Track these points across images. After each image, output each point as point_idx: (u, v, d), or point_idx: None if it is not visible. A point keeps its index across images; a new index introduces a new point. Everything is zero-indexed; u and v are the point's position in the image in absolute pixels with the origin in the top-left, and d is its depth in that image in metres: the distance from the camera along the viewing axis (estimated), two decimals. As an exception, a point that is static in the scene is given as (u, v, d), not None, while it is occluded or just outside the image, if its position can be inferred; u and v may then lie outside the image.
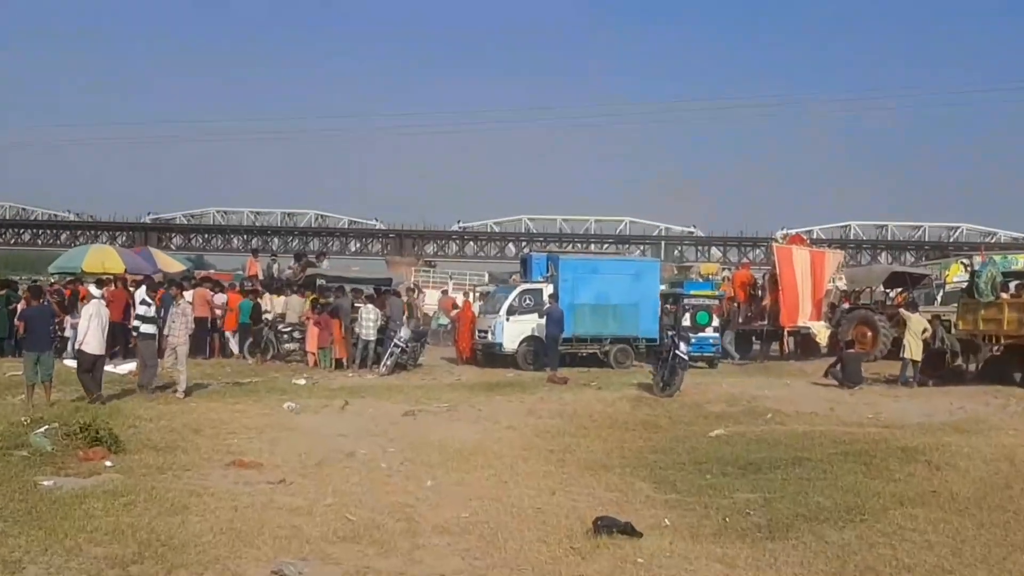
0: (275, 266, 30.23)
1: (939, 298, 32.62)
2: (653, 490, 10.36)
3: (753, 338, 29.19)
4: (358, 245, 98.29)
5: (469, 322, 25.36)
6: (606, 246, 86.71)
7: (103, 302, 16.58)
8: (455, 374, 22.33)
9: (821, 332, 26.75)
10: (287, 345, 23.43)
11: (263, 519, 8.50)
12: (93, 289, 19.10)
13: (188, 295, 21.03)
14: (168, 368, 16.83)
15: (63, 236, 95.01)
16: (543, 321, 23.75)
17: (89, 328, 15.09)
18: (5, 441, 11.13)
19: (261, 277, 28.54)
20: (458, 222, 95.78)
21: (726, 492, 10.20)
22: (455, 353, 25.80)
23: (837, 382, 19.82)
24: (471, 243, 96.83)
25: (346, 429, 13.65)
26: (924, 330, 20.77)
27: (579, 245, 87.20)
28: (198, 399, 15.95)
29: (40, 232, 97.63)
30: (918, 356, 20.47)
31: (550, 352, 23.14)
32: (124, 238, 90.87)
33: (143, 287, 22.40)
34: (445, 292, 37.41)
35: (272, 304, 24.66)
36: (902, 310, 22.80)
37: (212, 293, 24.12)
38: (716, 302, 26.89)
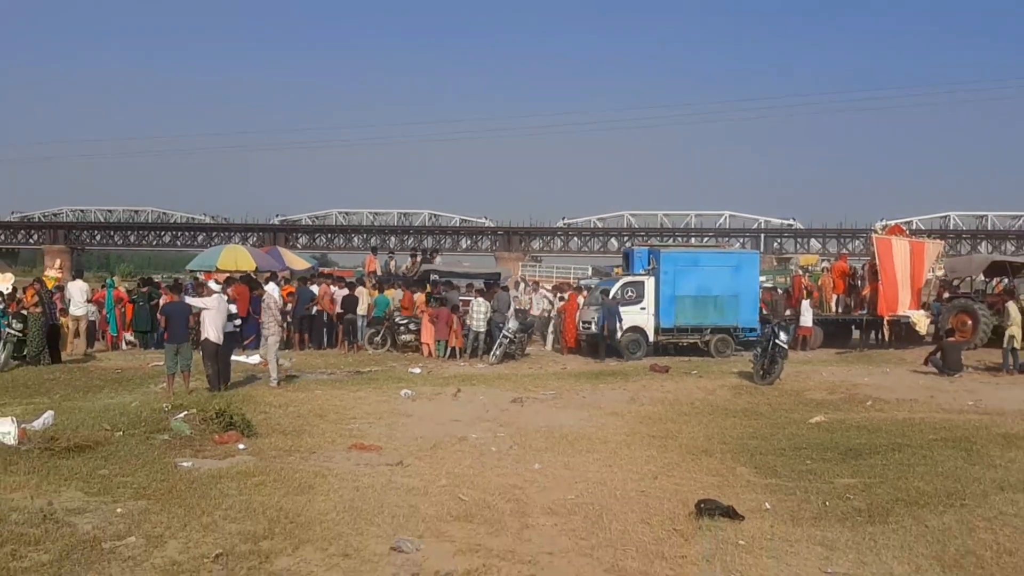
0: (392, 262, 30.69)
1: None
2: (754, 475, 10.17)
3: (853, 327, 28.38)
4: (468, 242, 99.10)
5: (574, 313, 25.31)
6: (706, 239, 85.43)
7: (224, 296, 16.99)
8: (560, 363, 22.35)
9: (921, 321, 25.84)
10: (404, 336, 23.79)
11: (382, 499, 8.66)
12: (213, 284, 19.70)
13: (271, 288, 21.56)
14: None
15: (200, 237, 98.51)
16: (644, 311, 23.72)
17: (207, 319, 15.52)
18: (148, 426, 11.62)
19: (379, 273, 29.03)
20: (563, 219, 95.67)
21: (826, 477, 9.95)
22: (561, 343, 25.83)
23: (937, 370, 19.13)
24: (575, 238, 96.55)
25: (459, 415, 13.83)
26: (1016, 317, 19.91)
27: (680, 239, 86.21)
28: (322, 387, 16.34)
29: (179, 234, 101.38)
30: (1019, 344, 19.62)
31: (599, 345, 23.28)
32: (255, 238, 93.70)
33: (271, 282, 23.19)
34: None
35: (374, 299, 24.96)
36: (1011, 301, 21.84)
37: (337, 288, 24.72)
38: None
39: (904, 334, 26.83)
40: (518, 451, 11.24)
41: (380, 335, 23.85)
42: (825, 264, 35.85)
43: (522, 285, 31.77)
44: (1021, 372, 19.50)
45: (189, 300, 16.06)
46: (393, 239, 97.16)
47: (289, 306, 23.38)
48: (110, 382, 16.82)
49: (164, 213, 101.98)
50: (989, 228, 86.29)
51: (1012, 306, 20.44)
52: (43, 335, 19.37)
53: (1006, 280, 27.27)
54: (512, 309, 24.28)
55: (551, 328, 26.43)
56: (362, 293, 24.62)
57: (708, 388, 17.15)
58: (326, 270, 39.65)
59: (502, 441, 11.85)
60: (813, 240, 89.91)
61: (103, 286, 26.47)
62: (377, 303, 24.38)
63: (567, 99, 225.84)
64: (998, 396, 16.16)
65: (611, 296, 24.17)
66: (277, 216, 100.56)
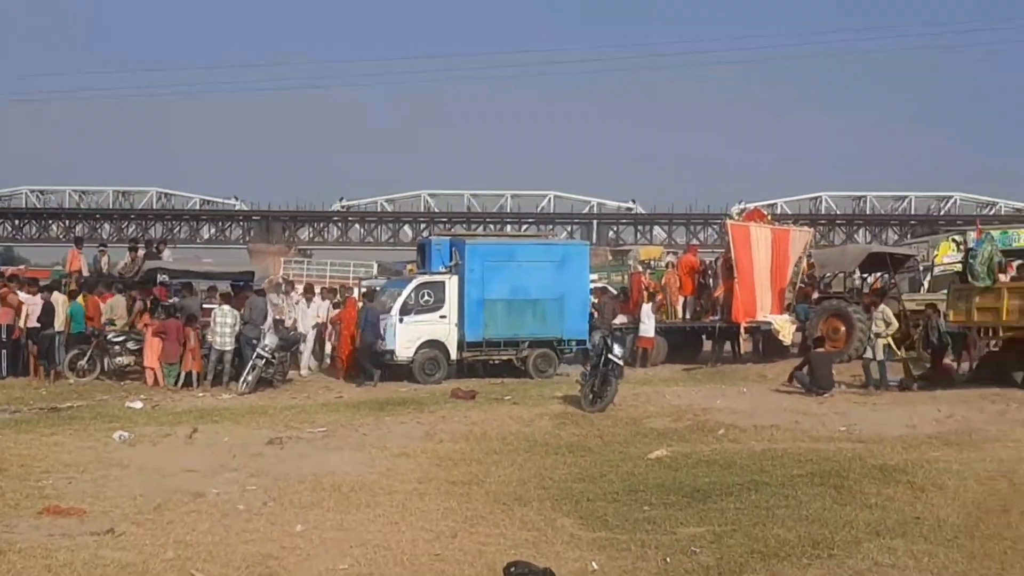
0: (104, 259, 29.67)
1: (926, 283, 33.56)
2: (579, 527, 10.41)
3: (703, 336, 29.59)
4: (213, 230, 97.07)
5: (352, 325, 25.19)
6: (525, 227, 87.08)
7: None
8: (334, 391, 22.17)
9: (785, 328, 27.26)
10: (120, 359, 23.03)
11: (84, 581, 8.33)
12: None
13: None
14: None
15: None
16: (445, 321, 23.99)
17: None
18: None
19: (86, 273, 27.98)
20: (340, 200, 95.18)
21: (668, 526, 10.30)
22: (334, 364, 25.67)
23: (803, 388, 20.22)
24: (356, 226, 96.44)
25: (194, 463, 13.48)
26: (890, 323, 21.28)
27: (491, 227, 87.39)
28: (2, 430, 15.62)
29: None
30: (880, 354, 20.94)
31: (364, 364, 23.70)
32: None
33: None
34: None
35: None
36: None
37: (28, 294, 23.73)
38: None
39: (765, 344, 28.22)
40: (275, 509, 11.05)
41: (87, 358, 22.95)
42: (671, 258, 37.23)
43: (284, 287, 31.35)
44: (903, 388, 20.91)
45: None
46: (107, 227, 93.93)
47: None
48: None
49: None
50: (868, 212, 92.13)
51: (886, 309, 21.78)
52: None
53: (885, 276, 29.10)
54: (270, 320, 23.96)
55: (312, 342, 26.19)
56: (59, 301, 23.67)
57: (525, 418, 17.43)
58: (11, 270, 37.79)
59: (253, 496, 11.63)
60: (657, 228, 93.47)
61: None
62: (73, 314, 23.49)
63: (350, 41, 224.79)
64: (875, 419, 17.22)
65: (378, 301, 24.46)
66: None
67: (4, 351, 23.26)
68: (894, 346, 21.00)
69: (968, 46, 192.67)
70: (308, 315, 26.20)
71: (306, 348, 25.84)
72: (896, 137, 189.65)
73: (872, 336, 21.51)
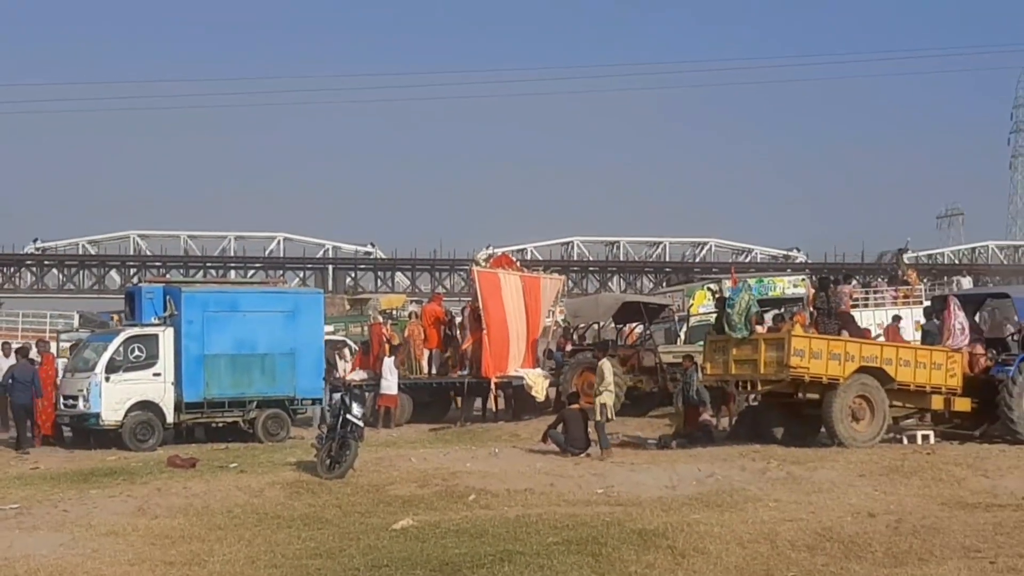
0: None
1: (682, 334, 34.90)
2: (315, 609, 10.31)
3: (452, 393, 29.85)
4: None
5: (51, 384, 24.22)
6: (252, 273, 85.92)
7: None
8: (28, 461, 21.28)
9: (538, 383, 27.80)
10: None
11: None
12: None
13: None
14: None
15: None
16: (159, 379, 23.43)
17: None
18: None
19: None
20: (34, 241, 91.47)
21: (414, 605, 10.32)
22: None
23: (559, 448, 20.64)
24: (54, 270, 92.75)
25: None
26: (603, 379, 21.68)
27: (213, 272, 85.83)
28: None
29: None
30: (610, 414, 21.40)
31: (19, 429, 23.23)
32: None
33: None
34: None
35: None
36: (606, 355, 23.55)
37: None
38: None
39: (517, 401, 28.72)
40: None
41: None
42: (414, 307, 37.48)
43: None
44: (662, 446, 21.64)
45: None
46: None
47: None
48: None
49: None
50: (622, 258, 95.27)
51: (605, 363, 21.81)
52: None
53: (642, 326, 30.18)
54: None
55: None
56: None
57: (254, 488, 17.17)
58: None
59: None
60: (399, 274, 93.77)
61: None
62: None
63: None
64: (633, 480, 17.75)
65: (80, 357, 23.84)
66: None
67: None
68: (609, 404, 21.28)
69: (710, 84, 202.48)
70: None
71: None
72: (648, 179, 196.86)
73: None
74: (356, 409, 18.53)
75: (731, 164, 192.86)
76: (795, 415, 22.07)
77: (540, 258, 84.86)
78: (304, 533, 14.00)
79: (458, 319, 30.48)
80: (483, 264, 31.46)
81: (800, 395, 21.53)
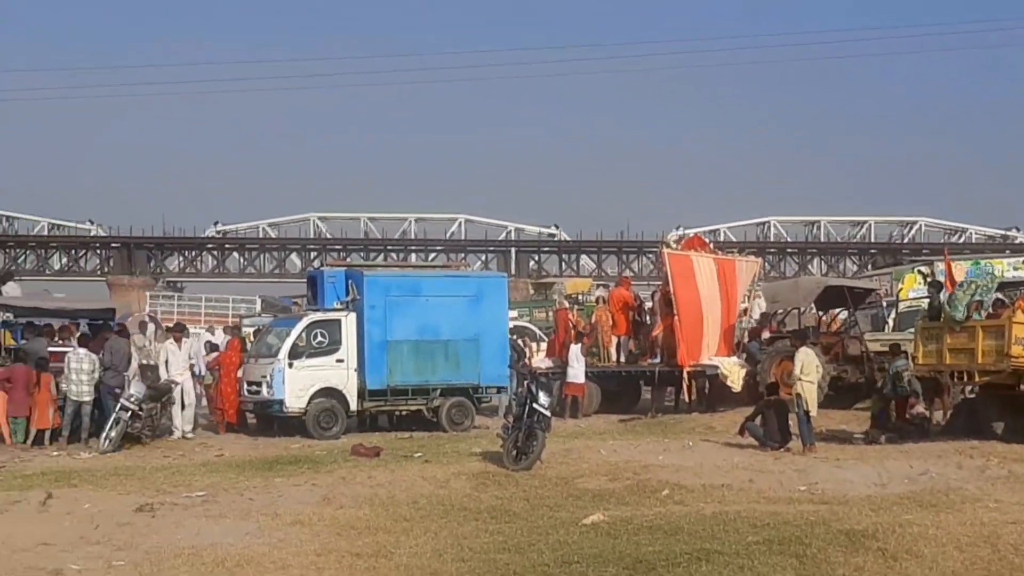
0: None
1: (890, 321, 34.10)
2: (505, 606, 10.42)
3: (641, 383, 29.78)
4: (64, 260, 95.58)
5: (233, 371, 24.96)
6: (432, 256, 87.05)
7: None
8: (213, 448, 21.97)
9: (734, 372, 27.50)
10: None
11: None
12: None
13: None
14: None
15: None
16: (342, 366, 23.86)
17: None
18: None
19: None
20: (215, 224, 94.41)
21: (608, 604, 10.34)
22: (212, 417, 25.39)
23: (757, 442, 20.42)
24: (235, 254, 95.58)
25: (50, 535, 13.28)
26: (817, 367, 21.30)
27: (393, 256, 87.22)
28: None
29: None
30: (812, 408, 20.90)
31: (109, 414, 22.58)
32: None
33: None
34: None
35: None
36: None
37: None
38: None
39: (711, 391, 28.45)
40: (147, 588, 10.93)
41: None
42: (601, 292, 37.46)
43: (152, 328, 31.01)
44: (870, 442, 21.23)
45: None
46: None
47: None
48: None
49: None
50: (823, 239, 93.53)
51: (806, 353, 21.30)
52: None
53: (846, 312, 29.56)
54: (135, 365, 23.61)
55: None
56: None
57: (439, 478, 17.40)
58: None
59: (120, 573, 11.52)
60: (584, 257, 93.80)
61: None
62: None
63: (227, 38, 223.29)
64: (839, 477, 17.45)
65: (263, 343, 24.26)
66: None
67: None
68: (809, 396, 20.81)
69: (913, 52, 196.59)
70: (178, 359, 24.71)
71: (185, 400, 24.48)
72: (850, 152, 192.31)
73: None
74: (543, 398, 18.59)
75: (941, 135, 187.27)
76: (1017, 409, 21.30)
77: (734, 239, 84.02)
78: (491, 526, 14.13)
79: (648, 304, 30.37)
80: (674, 246, 31.19)
81: (1022, 387, 20.83)
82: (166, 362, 23.65)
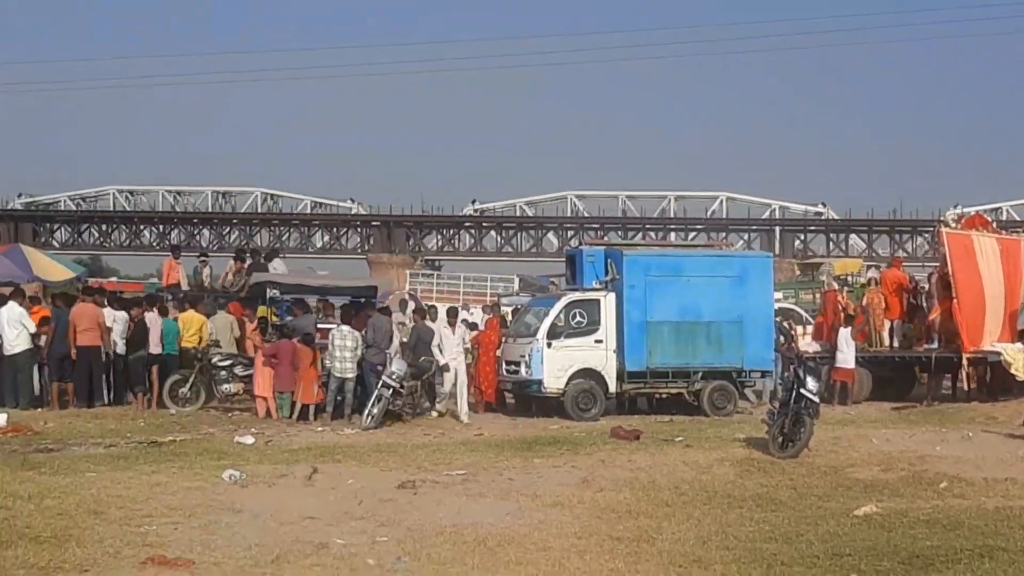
0: (205, 270, 30.39)
1: None
2: (773, 597, 10.28)
3: (917, 369, 29.00)
4: (327, 238, 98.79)
5: (492, 349, 25.32)
6: (692, 235, 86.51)
7: None
8: (472, 427, 22.37)
9: (1018, 360, 26.53)
10: (226, 386, 23.53)
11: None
12: None
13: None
14: None
15: None
16: (601, 347, 23.91)
17: None
18: None
19: (185, 287, 28.69)
20: (472, 202, 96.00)
21: (881, 599, 10.10)
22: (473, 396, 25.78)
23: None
24: (492, 233, 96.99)
25: (315, 509, 13.67)
26: None
27: (652, 235, 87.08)
28: (97, 467, 16.06)
29: None
30: None
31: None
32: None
33: (11, 302, 22.85)
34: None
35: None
36: None
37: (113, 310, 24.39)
38: None
39: (993, 379, 27.50)
40: (410, 565, 11.13)
41: (189, 385, 23.55)
42: (872, 273, 36.61)
43: (412, 305, 31.73)
44: None
45: None
46: (208, 233, 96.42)
47: (43, 339, 23.02)
48: None
49: None
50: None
51: None
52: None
53: None
54: (396, 343, 24.17)
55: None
56: (156, 320, 24.28)
57: (701, 463, 17.29)
58: (98, 282, 39.04)
59: (384, 549, 11.73)
60: (854, 236, 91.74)
61: None
62: (166, 332, 24.22)
63: (473, 24, 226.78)
64: None
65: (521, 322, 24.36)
66: (20, 196, 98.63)
67: (96, 376, 23.85)
68: None
69: None
70: (451, 343, 24.65)
71: (456, 381, 24.42)
72: None
73: None
74: (811, 383, 18.26)
75: None
76: None
77: (1017, 218, 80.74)
78: (757, 514, 13.95)
79: (924, 287, 29.54)
80: (953, 225, 30.21)
81: None
82: (438, 346, 24.01)
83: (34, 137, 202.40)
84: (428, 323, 25.40)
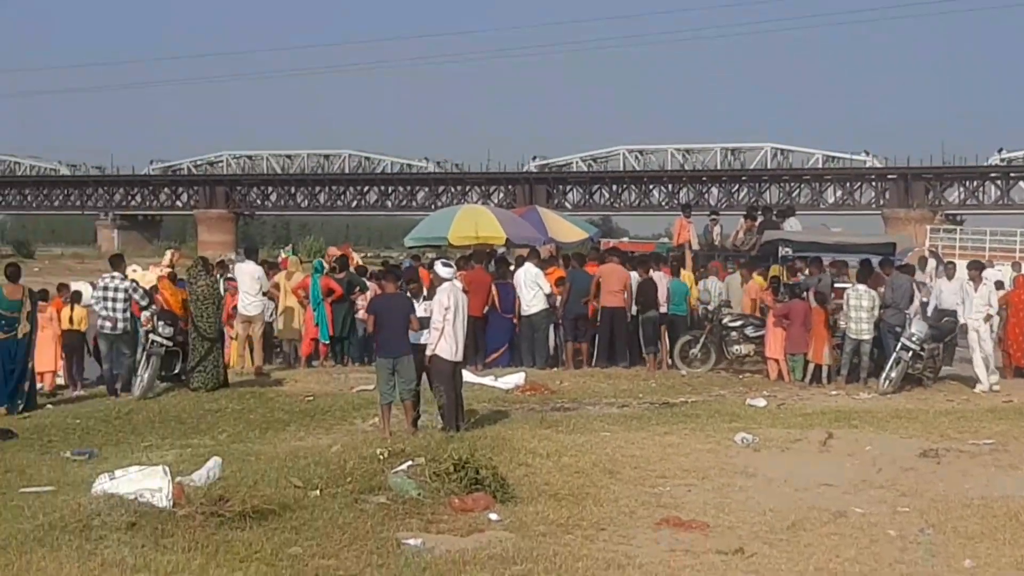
0: (716, 229, 30.67)
1: None
2: None
3: None
4: (839, 193, 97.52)
5: (1022, 310, 24.21)
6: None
7: (458, 286, 17.24)
8: (1000, 393, 21.53)
9: None
10: (737, 347, 23.74)
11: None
12: (441, 269, 17.54)
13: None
14: None
15: (420, 194, 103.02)
16: None
17: (444, 326, 15.98)
18: (356, 482, 12.24)
19: (696, 246, 29.12)
20: (999, 151, 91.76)
21: None
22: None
23: None
24: (1020, 184, 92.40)
25: (831, 476, 13.66)
26: None
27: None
28: (611, 426, 16.69)
29: (388, 189, 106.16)
30: None
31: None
32: (501, 194, 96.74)
33: (527, 263, 24.07)
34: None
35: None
36: None
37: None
38: None
39: None
40: (935, 538, 10.94)
41: (700, 345, 23.96)
42: None
43: (933, 263, 30.80)
44: None
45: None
46: (715, 191, 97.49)
47: (558, 300, 24.03)
48: (298, 415, 17.99)
49: (367, 158, 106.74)
50: None
51: None
52: (211, 344, 20.79)
53: None
54: (916, 304, 23.54)
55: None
56: (662, 279, 24.81)
57: None
58: (612, 242, 40.25)
59: (906, 520, 11.59)
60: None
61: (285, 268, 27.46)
62: (673, 291, 24.78)
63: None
64: None
65: None
66: (535, 160, 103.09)
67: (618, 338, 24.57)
68: None
69: None
70: (972, 302, 22.93)
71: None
72: None
73: None
74: None
75: None
76: None
77: None
78: None
79: None
80: None
81: None
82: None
83: (548, 104, 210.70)
84: (946, 281, 24.52)
